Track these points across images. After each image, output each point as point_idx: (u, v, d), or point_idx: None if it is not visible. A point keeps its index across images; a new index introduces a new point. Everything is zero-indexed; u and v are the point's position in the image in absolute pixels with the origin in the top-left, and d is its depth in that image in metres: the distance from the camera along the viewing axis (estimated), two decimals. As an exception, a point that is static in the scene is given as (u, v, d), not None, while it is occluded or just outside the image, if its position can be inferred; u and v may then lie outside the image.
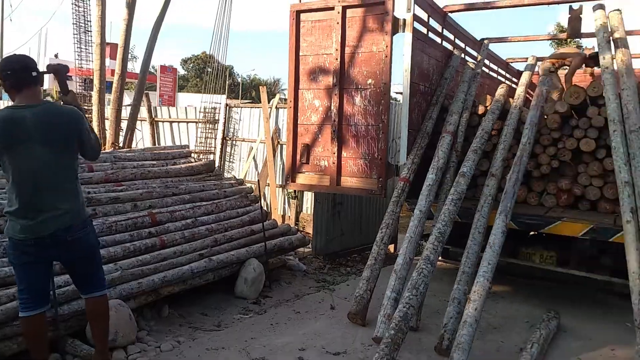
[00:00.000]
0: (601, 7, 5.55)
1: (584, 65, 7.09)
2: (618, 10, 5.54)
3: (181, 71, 45.32)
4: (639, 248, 3.66)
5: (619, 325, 4.27)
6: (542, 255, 4.81)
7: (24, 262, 2.82)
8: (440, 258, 5.64)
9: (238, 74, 46.21)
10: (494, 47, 8.36)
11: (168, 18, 8.34)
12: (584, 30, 6.90)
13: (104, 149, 6.87)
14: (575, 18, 6.67)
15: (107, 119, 8.09)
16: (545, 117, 5.09)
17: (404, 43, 5.25)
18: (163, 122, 10.40)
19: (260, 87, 9.44)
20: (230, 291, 4.77)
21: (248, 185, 6.68)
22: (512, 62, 9.07)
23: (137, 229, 4.46)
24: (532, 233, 5.30)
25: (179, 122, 10.18)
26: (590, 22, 5.80)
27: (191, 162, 6.06)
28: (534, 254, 4.84)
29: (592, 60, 6.56)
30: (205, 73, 10.82)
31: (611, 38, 5.21)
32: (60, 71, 3.09)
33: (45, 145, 2.76)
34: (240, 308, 4.54)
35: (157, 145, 9.46)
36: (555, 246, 4.80)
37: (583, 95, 4.94)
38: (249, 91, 40.05)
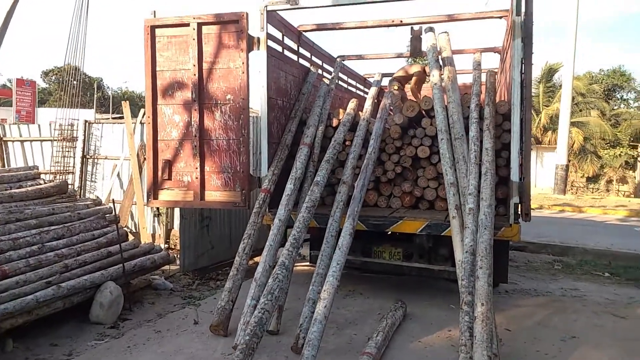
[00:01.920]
0: (431, 29, 6.30)
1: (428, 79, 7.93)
2: (446, 32, 6.33)
3: (42, 84, 41.46)
4: (462, 240, 4.23)
5: (454, 309, 4.86)
6: (390, 252, 5.30)
7: None
8: (309, 263, 5.97)
9: (108, 87, 43.50)
10: (354, 64, 9.02)
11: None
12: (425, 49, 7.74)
13: None
14: (415, 38, 7.42)
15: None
16: (389, 128, 5.64)
17: (259, 60, 5.47)
18: (13, 141, 9.49)
19: (123, 102, 9.08)
20: (86, 318, 4.55)
21: (108, 205, 6.40)
22: (369, 77, 9.80)
23: (-28, 260, 4.08)
24: (389, 233, 5.81)
25: (31, 141, 9.37)
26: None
27: (40, 185, 5.66)
28: (384, 251, 5.32)
29: None
30: (67, 85, 10.04)
31: (439, 57, 5.94)
32: None
33: None
34: (96, 334, 4.35)
35: (3, 168, 8.60)
36: (401, 243, 5.32)
37: (417, 109, 5.57)
38: (121, 105, 37.87)
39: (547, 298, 5.75)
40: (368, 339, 4.00)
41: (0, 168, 8.40)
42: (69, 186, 6.08)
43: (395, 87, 7.11)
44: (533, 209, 5.73)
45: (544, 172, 23.58)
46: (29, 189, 5.43)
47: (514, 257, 7.80)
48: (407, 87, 7.75)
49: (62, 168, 8.66)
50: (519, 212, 4.71)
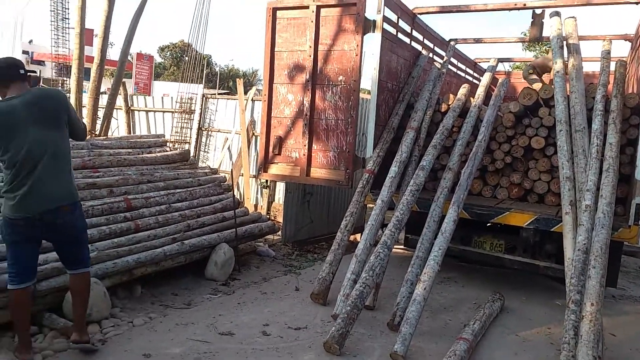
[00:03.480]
0: (557, 14, 5.95)
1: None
2: (573, 17, 5.94)
3: (158, 59, 44.78)
4: (574, 237, 4.06)
5: (557, 307, 4.70)
6: (492, 243, 5.20)
7: (15, 240, 3.05)
8: (403, 246, 6.05)
9: (216, 64, 45.90)
10: (465, 47, 8.75)
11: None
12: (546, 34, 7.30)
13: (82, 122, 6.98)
14: (537, 23, 7.04)
15: (85, 107, 8.19)
16: (501, 115, 5.47)
17: (373, 43, 5.55)
18: (139, 111, 10.49)
19: (237, 79, 9.64)
20: (201, 274, 5.04)
21: (222, 174, 6.92)
22: (480, 62, 9.46)
23: (112, 214, 4.67)
24: (488, 224, 5.69)
25: (155, 111, 10.30)
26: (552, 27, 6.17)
27: (166, 151, 6.26)
28: (485, 242, 5.24)
29: None
30: (183, 62, 10.87)
31: (565, 43, 5.61)
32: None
33: (37, 124, 2.98)
34: (210, 289, 4.81)
35: (133, 134, 9.57)
36: (504, 235, 5.20)
37: (535, 97, 5.33)
38: (226, 81, 39.89)
39: (658, 308, 5.34)
40: (464, 325, 4.02)
41: (132, 135, 9.36)
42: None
43: (531, 72, 6.76)
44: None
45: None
46: (158, 154, 6.04)
47: (624, 262, 7.21)
48: (545, 76, 7.33)
49: (180, 138, 9.44)
50: (641, 214, 4.39)
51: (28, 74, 3.12)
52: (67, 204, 3.11)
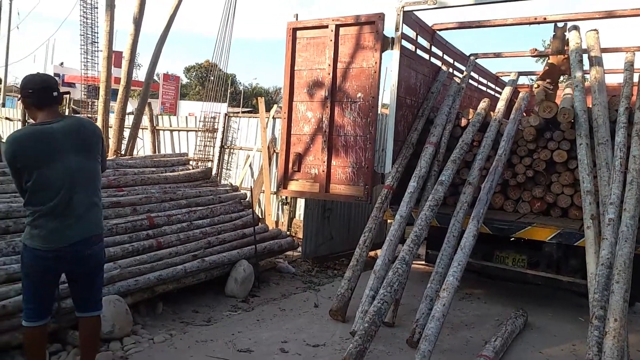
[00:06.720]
0: (575, 28, 5.90)
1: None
2: (595, 30, 5.87)
3: (184, 79, 45.82)
4: (596, 252, 3.96)
5: (582, 323, 4.57)
6: (514, 259, 5.11)
7: (38, 275, 2.86)
8: (424, 262, 6.00)
9: (240, 83, 46.70)
10: (486, 62, 8.70)
11: (173, 26, 8.72)
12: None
13: (107, 157, 7.18)
14: (559, 36, 6.96)
15: (111, 127, 8.46)
16: (522, 129, 5.41)
17: (392, 60, 5.59)
18: (164, 130, 10.76)
19: (259, 97, 9.80)
20: (221, 290, 5.08)
21: (243, 191, 7.01)
22: (502, 76, 9.39)
23: (135, 231, 4.78)
24: (511, 238, 5.60)
25: (179, 130, 10.55)
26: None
27: (189, 170, 6.40)
28: (507, 257, 5.15)
29: None
30: (208, 81, 11.11)
31: (587, 56, 5.54)
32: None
33: (78, 153, 2.87)
34: (230, 306, 4.85)
35: (157, 153, 9.80)
36: (527, 250, 5.10)
37: (555, 110, 5.26)
38: (250, 99, 40.51)
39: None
40: (485, 342, 3.95)
41: (156, 154, 9.59)
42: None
43: (537, 87, 6.63)
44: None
45: None
46: (180, 173, 6.17)
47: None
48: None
49: (203, 156, 9.63)
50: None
51: (62, 95, 3.02)
52: (97, 234, 2.98)
